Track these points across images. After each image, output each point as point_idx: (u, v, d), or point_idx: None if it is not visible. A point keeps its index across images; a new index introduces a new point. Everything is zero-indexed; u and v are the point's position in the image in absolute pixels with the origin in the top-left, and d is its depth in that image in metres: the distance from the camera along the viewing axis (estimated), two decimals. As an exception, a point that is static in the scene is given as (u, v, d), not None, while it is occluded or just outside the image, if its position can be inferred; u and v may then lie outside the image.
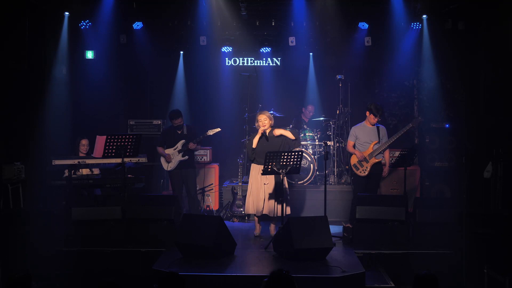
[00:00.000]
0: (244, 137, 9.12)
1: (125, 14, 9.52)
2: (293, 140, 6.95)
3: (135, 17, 9.60)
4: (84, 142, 8.03)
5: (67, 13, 9.19)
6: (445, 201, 7.95)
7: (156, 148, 8.25)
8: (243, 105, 9.31)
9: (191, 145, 7.99)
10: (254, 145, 6.97)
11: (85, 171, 7.86)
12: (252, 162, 7.08)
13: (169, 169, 8.11)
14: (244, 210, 8.14)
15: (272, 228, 7.13)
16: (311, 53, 10.35)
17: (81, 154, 7.96)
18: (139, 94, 10.35)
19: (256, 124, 7.07)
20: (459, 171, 9.02)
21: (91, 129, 8.47)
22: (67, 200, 7.18)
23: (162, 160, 8.15)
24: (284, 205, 6.63)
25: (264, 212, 6.97)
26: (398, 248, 6.52)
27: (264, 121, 6.95)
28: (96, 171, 7.99)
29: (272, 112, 8.96)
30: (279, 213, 6.72)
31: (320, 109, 9.87)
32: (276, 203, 6.88)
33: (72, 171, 7.52)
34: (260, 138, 6.96)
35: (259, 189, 6.98)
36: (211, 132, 8.06)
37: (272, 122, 7.03)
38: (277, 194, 6.88)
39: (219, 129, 8.08)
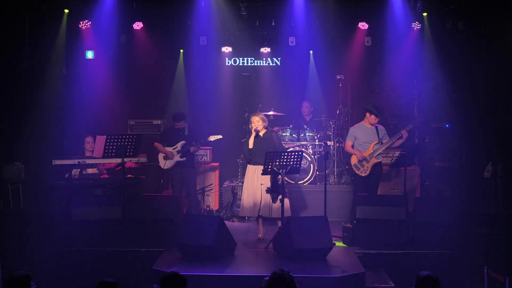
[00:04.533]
0: (244, 137, 9.09)
1: (125, 14, 9.52)
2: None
3: (135, 17, 9.61)
4: (89, 139, 8.02)
5: (67, 12, 9.19)
6: (445, 201, 7.95)
7: (154, 144, 8.13)
8: (243, 105, 9.29)
9: (193, 149, 7.95)
10: (250, 146, 6.97)
11: (90, 170, 7.85)
12: (248, 163, 7.08)
13: (165, 167, 8.01)
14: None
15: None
16: (311, 53, 10.34)
17: (87, 152, 7.95)
18: (139, 94, 10.32)
19: (250, 126, 7.09)
20: (459, 171, 9.09)
21: (91, 129, 8.46)
22: (67, 200, 7.18)
23: (160, 157, 8.05)
24: (284, 204, 6.61)
25: (260, 214, 6.93)
26: (398, 248, 6.52)
27: (257, 122, 6.97)
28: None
29: (272, 111, 8.95)
30: (276, 214, 6.73)
31: (320, 109, 9.86)
32: (272, 203, 6.87)
33: (79, 170, 7.52)
34: (255, 138, 6.97)
35: (255, 190, 6.94)
36: (212, 138, 7.94)
37: (265, 123, 7.04)
38: (274, 194, 6.86)
39: (220, 136, 7.96)
